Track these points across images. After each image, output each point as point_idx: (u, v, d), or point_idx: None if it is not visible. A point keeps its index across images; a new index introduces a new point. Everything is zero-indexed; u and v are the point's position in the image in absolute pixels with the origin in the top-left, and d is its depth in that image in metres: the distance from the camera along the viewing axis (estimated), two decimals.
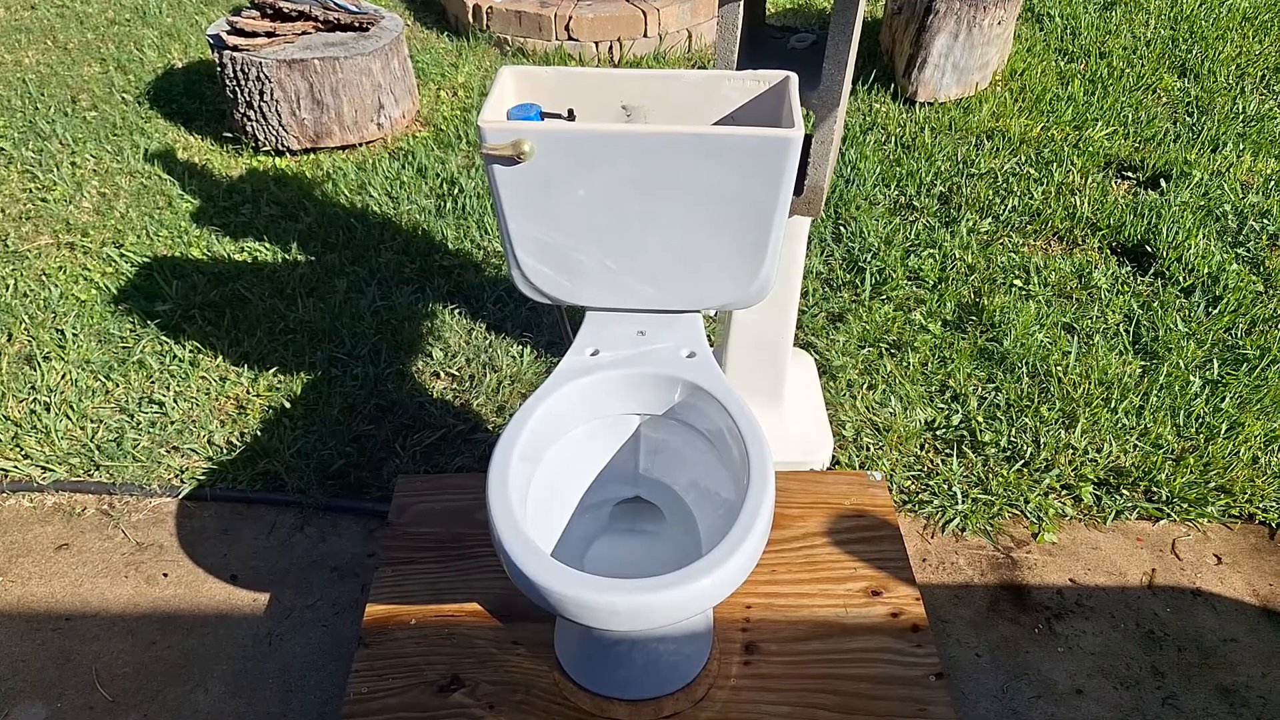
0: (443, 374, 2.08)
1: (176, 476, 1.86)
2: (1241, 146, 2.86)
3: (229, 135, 2.89)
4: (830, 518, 1.56)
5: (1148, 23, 3.69)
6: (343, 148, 2.85)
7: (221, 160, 2.82)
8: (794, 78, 1.28)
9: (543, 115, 1.31)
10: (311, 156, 2.82)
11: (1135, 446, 1.89)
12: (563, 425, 1.27)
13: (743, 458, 1.16)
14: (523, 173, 1.22)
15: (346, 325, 2.17)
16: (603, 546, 1.34)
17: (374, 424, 1.94)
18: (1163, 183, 2.67)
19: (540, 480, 1.25)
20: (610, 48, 3.43)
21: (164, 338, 2.15)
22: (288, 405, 1.96)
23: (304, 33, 2.76)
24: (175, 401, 1.99)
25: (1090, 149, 2.82)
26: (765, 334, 1.75)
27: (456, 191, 2.61)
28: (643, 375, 1.28)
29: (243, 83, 2.65)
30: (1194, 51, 3.44)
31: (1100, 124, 2.94)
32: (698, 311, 1.38)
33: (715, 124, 1.34)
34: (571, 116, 1.32)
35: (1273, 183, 2.68)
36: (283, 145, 2.78)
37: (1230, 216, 2.53)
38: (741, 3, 1.31)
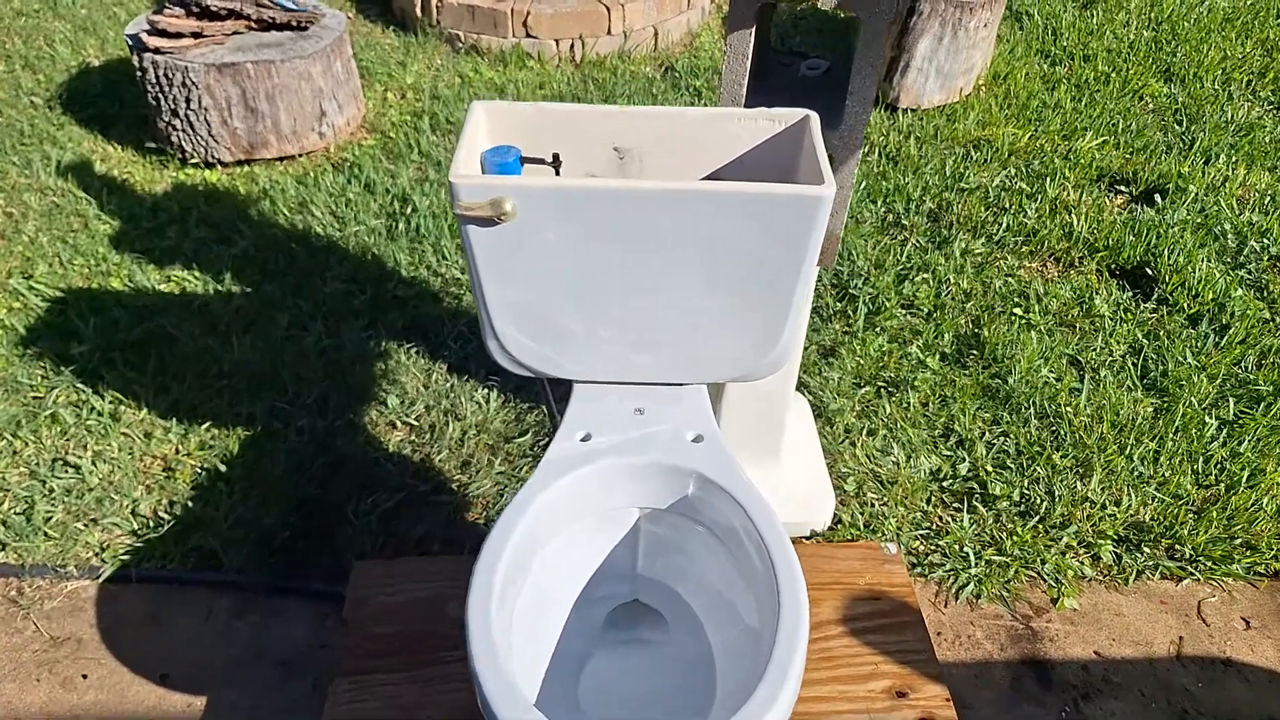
0: (399, 424, 1.88)
1: (96, 554, 1.64)
2: (1234, 158, 2.78)
3: (152, 145, 2.64)
4: (845, 601, 1.41)
5: (1128, 23, 3.61)
6: (281, 159, 2.62)
7: (144, 174, 2.56)
8: (815, 119, 1.12)
9: (523, 160, 1.13)
10: (246, 169, 2.59)
11: (1154, 498, 1.79)
12: (553, 527, 1.10)
13: (767, 571, 1.01)
14: (503, 233, 1.04)
15: (289, 368, 1.96)
16: (600, 664, 1.18)
17: (323, 486, 1.75)
18: (1158, 198, 2.58)
19: (528, 586, 1.08)
20: (571, 46, 3.23)
21: (80, 385, 1.92)
22: (223, 468, 1.75)
23: (235, 33, 2.51)
24: (93, 463, 1.77)
25: (1081, 161, 2.71)
26: (764, 384, 1.59)
27: (409, 210, 2.40)
28: (643, 466, 1.12)
29: (166, 89, 2.41)
30: (1178, 55, 3.36)
31: (1090, 134, 2.84)
32: (703, 384, 1.21)
33: (722, 168, 1.18)
34: (557, 162, 1.14)
35: (1269, 198, 2.61)
36: (213, 157, 2.54)
37: (1229, 235, 2.45)
38: (753, 29, 1.14)
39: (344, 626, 1.38)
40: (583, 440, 1.14)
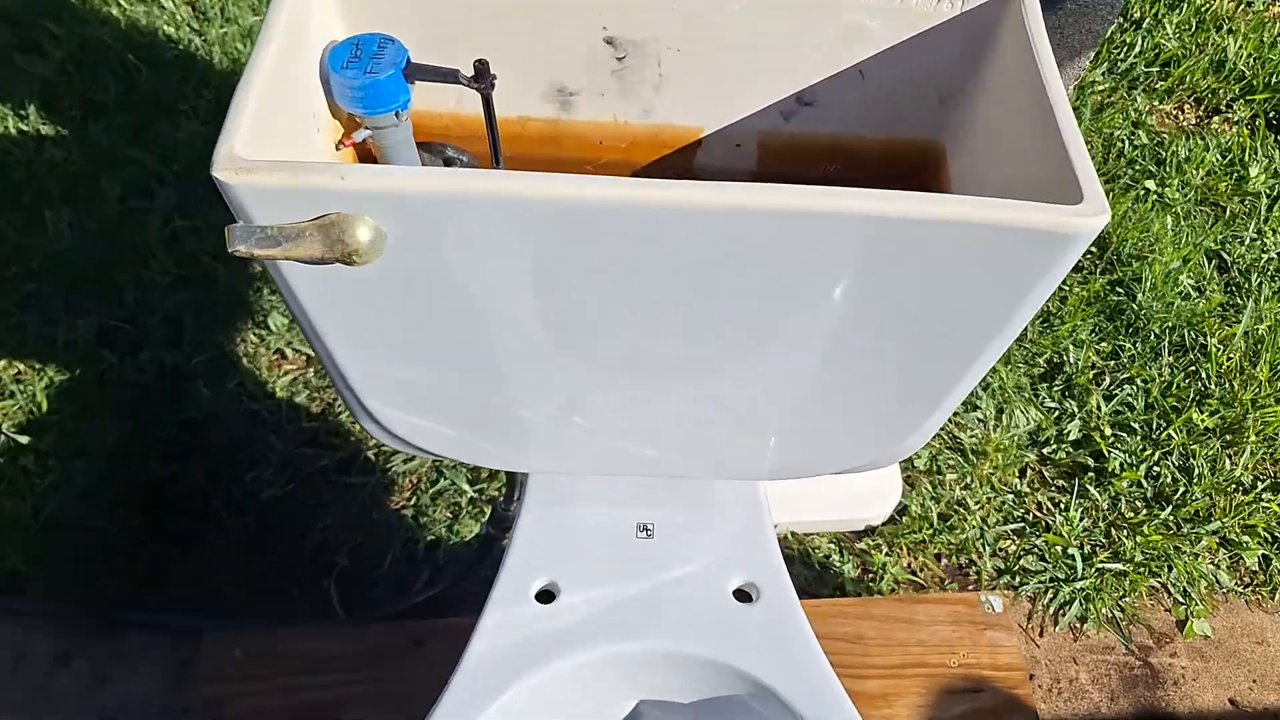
0: (289, 353, 1.37)
1: None
2: None
3: None
4: (930, 697, 1.00)
5: None
6: None
7: None
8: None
9: (409, 73, 0.55)
10: None
11: None
12: None
13: None
14: (364, 277, 0.49)
15: (127, 266, 1.40)
16: None
17: (178, 460, 1.26)
18: None
19: None
20: None
21: None
22: (23, 438, 1.25)
23: None
24: None
25: None
26: None
27: None
28: (651, 659, 0.64)
29: None
30: None
31: None
32: (761, 480, 0.71)
33: (821, 86, 0.61)
34: (484, 82, 0.56)
35: None
36: None
37: None
38: None
39: None
40: (540, 599, 0.66)
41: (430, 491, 1.26)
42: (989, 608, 1.09)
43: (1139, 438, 1.37)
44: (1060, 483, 1.35)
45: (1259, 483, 1.35)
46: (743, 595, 0.67)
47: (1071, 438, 1.37)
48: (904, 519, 1.29)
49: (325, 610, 1.16)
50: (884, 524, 1.29)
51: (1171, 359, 1.45)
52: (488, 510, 1.20)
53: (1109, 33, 1.25)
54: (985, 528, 1.30)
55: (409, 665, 0.95)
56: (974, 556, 1.28)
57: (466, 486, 1.26)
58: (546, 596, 0.66)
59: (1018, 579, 1.27)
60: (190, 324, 1.36)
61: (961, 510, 1.30)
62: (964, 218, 0.44)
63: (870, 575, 1.25)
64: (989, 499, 1.32)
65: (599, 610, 0.65)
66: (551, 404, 0.60)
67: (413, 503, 1.25)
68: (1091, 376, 1.43)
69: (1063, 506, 1.32)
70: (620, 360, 0.56)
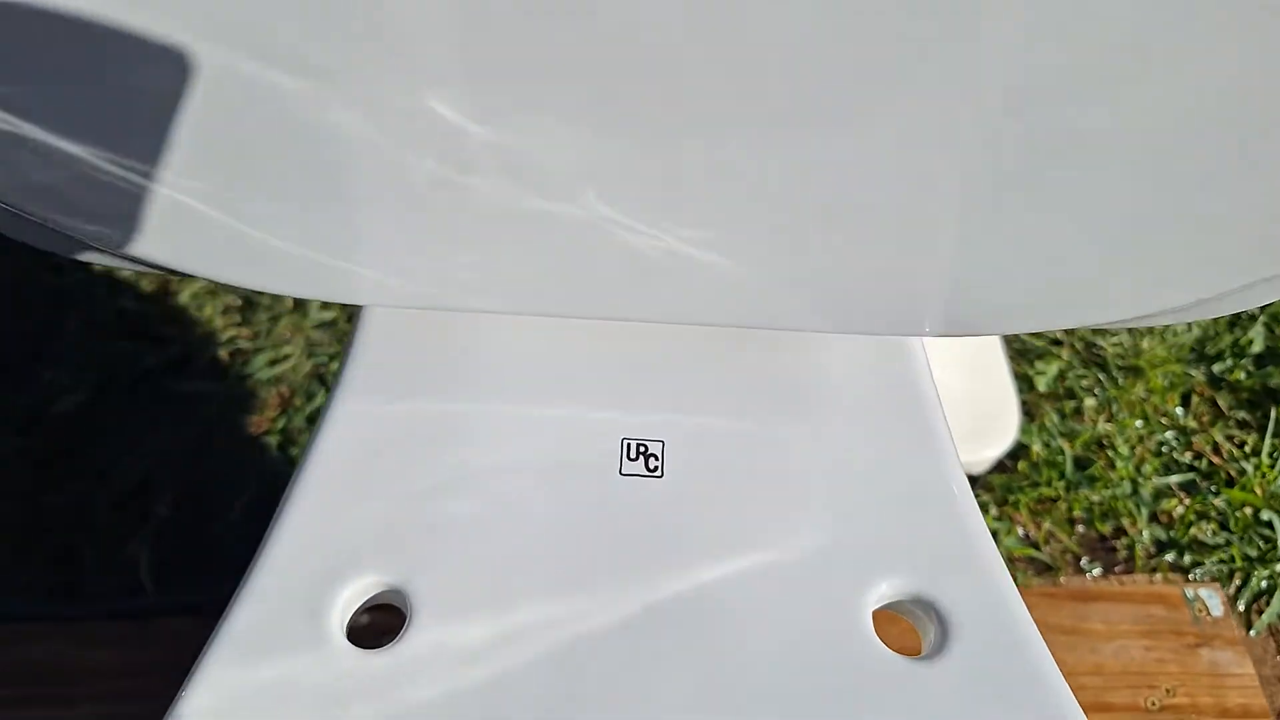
0: None
1: None
2: None
3: None
4: None
5: None
6: None
7: None
8: None
9: None
10: None
11: None
12: None
13: None
14: None
15: None
16: None
17: None
18: None
19: None
20: None
21: None
22: None
23: None
24: None
25: None
26: None
27: None
28: None
29: None
30: None
31: None
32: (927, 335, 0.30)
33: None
34: None
35: None
36: None
37: None
38: None
39: None
40: (360, 639, 0.25)
41: (307, 410, 0.85)
42: (1200, 608, 0.69)
43: None
44: (1241, 415, 0.95)
45: None
46: (896, 631, 0.26)
47: (1254, 350, 0.97)
48: (1019, 465, 0.90)
49: (129, 584, 0.76)
50: (991, 471, 0.89)
51: None
52: None
53: None
54: (1139, 479, 0.90)
55: None
56: (1124, 523, 0.89)
57: None
58: (383, 626, 0.25)
59: (1187, 557, 0.88)
60: None
61: (1105, 453, 0.91)
62: None
63: None
64: (1141, 436, 0.93)
65: (520, 665, 0.24)
66: (414, 98, 0.19)
67: (280, 426, 0.85)
68: None
69: (1249, 449, 0.93)
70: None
